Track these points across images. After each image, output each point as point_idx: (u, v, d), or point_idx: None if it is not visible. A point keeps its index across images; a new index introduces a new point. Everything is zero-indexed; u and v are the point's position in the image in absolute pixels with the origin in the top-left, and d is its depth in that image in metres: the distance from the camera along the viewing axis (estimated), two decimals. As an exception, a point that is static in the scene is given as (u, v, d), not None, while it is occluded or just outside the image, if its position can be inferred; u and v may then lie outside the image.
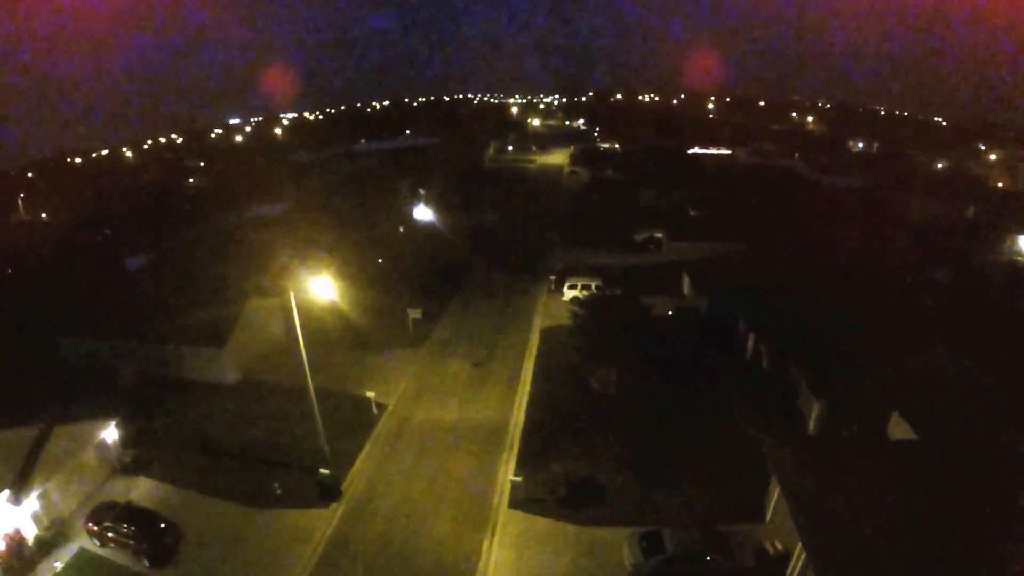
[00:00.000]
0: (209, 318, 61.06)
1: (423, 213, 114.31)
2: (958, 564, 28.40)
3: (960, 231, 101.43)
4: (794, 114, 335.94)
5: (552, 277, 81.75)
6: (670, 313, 67.68)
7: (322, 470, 43.54)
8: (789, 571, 34.75)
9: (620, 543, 37.64)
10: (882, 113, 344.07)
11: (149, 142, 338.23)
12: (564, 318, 63.51)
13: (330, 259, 79.48)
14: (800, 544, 32.83)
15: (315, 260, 75.34)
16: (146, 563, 37.89)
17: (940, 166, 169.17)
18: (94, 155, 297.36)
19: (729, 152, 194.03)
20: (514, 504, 42.22)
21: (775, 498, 38.82)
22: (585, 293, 70.08)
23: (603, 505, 41.86)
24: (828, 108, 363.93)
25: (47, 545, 39.30)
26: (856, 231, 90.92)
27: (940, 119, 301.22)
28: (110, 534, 38.78)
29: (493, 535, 39.77)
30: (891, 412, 44.41)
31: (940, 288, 71.83)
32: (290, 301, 42.09)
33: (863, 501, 32.59)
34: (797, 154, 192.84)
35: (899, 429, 43.33)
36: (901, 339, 50.18)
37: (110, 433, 46.83)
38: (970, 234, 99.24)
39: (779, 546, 36.47)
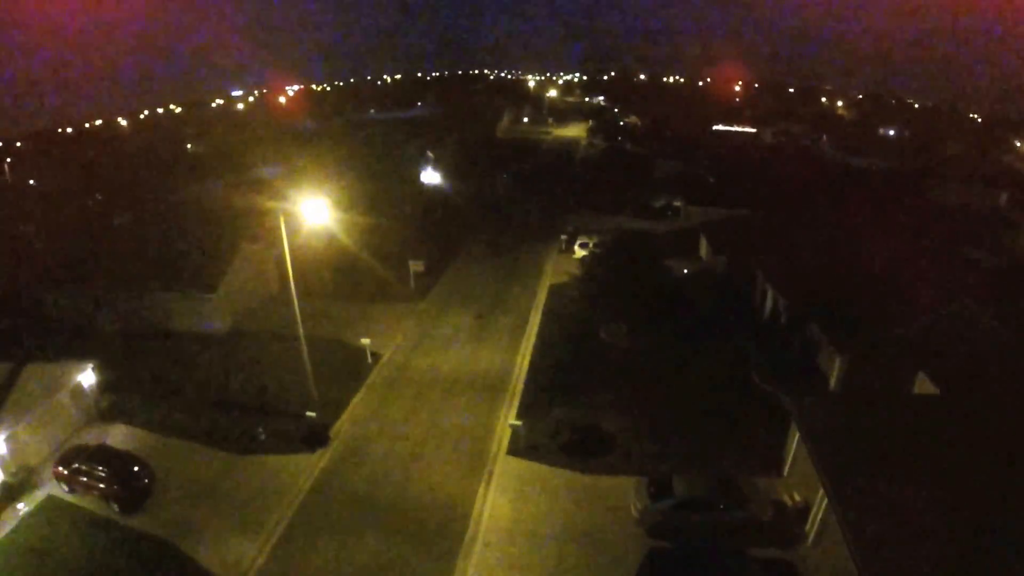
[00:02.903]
0: (198, 265, 60.01)
1: (431, 176, 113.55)
2: (984, 516, 27.27)
3: (991, 215, 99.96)
4: (823, 99, 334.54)
5: (563, 237, 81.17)
6: (685, 271, 66.63)
7: (309, 413, 42.62)
8: (809, 523, 33.65)
9: (626, 491, 36.56)
10: (916, 106, 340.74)
11: (146, 112, 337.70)
12: (575, 275, 62.69)
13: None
14: (820, 496, 31.84)
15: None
16: (115, 508, 36.68)
17: (972, 154, 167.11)
18: (87, 125, 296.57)
19: (754, 131, 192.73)
20: (513, 451, 41.22)
21: (793, 451, 37.75)
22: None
23: (609, 455, 40.75)
24: (860, 98, 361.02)
25: (13, 491, 37.92)
26: (881, 207, 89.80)
27: (975, 115, 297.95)
28: (80, 478, 37.27)
29: (489, 481, 38.77)
30: (917, 371, 43.26)
31: (970, 262, 70.39)
32: (280, 227, 40.95)
33: (887, 451, 31.50)
34: (824, 136, 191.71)
35: (925, 388, 42.21)
36: (927, 297, 48.84)
37: (87, 377, 45.54)
38: (1002, 218, 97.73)
39: (798, 498, 35.27)
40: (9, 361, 41.89)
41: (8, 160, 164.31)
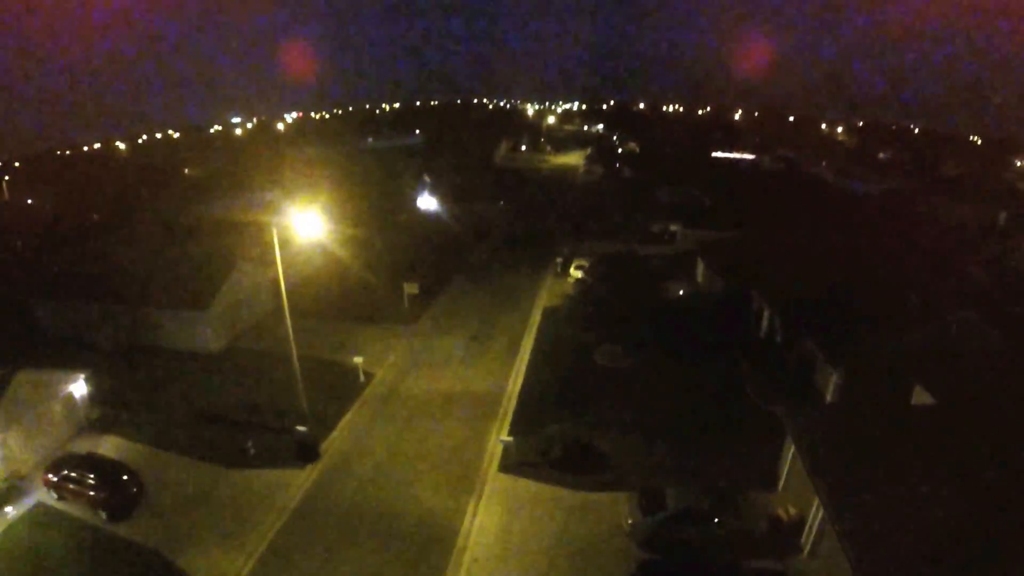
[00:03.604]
0: (192, 283, 60.38)
1: (427, 202, 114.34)
2: (982, 526, 27.31)
3: (991, 235, 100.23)
4: (823, 126, 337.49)
5: (559, 260, 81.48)
6: (681, 293, 66.94)
7: (299, 427, 42.75)
8: (804, 536, 33.67)
9: (618, 507, 36.49)
10: (916, 131, 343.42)
11: (144, 137, 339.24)
12: (570, 295, 63.13)
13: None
14: (815, 509, 32.03)
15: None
16: (104, 516, 36.76)
17: (971, 174, 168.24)
18: (86, 148, 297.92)
19: (753, 157, 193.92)
20: (504, 468, 41.28)
21: (788, 466, 37.84)
22: None
23: (602, 472, 40.73)
24: (861, 125, 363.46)
25: (1, 497, 38.24)
26: (878, 227, 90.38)
27: (975, 137, 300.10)
28: (69, 485, 37.47)
29: (480, 498, 38.78)
30: (914, 384, 43.32)
31: (967, 278, 70.61)
32: (274, 244, 41.24)
33: (883, 462, 31.55)
34: (824, 162, 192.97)
35: (923, 401, 42.23)
36: (923, 311, 49.05)
37: (79, 388, 45.88)
38: (1002, 238, 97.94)
39: (793, 512, 35.22)
40: (1, 368, 42.18)
41: (6, 179, 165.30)
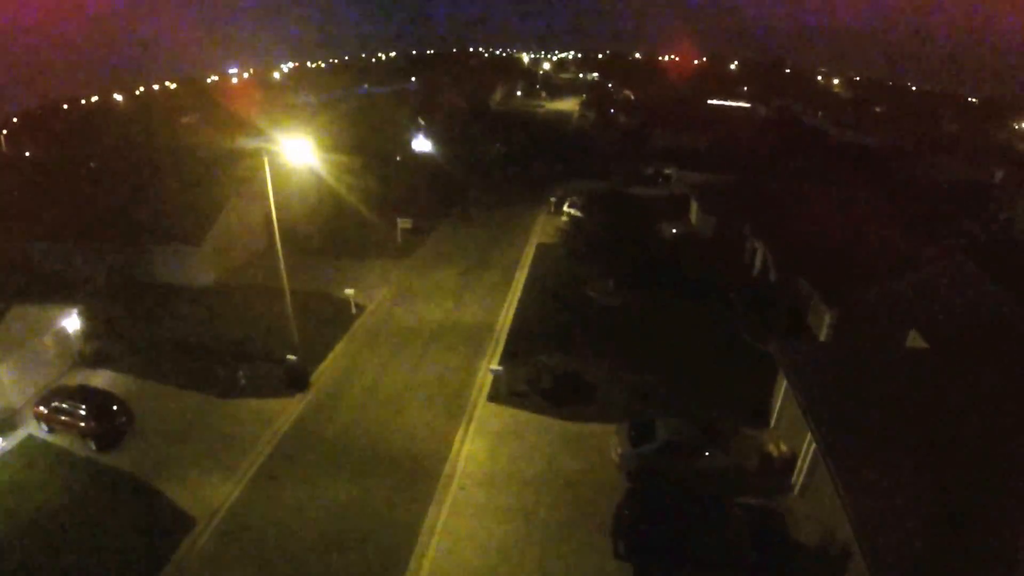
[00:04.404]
0: (186, 218, 59.54)
1: (422, 143, 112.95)
2: (973, 464, 26.67)
3: (985, 191, 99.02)
4: (819, 78, 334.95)
5: (552, 199, 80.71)
6: (674, 231, 66.12)
7: (289, 356, 41.99)
8: (795, 474, 33.06)
9: (607, 438, 35.78)
10: (913, 88, 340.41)
11: (141, 88, 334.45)
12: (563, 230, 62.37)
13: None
14: (806, 447, 31.40)
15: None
16: (92, 446, 36.13)
17: (968, 133, 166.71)
18: (83, 102, 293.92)
19: (748, 105, 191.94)
20: (493, 397, 40.75)
21: (780, 403, 37.13)
22: None
23: (591, 403, 40.10)
24: (857, 79, 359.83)
25: (-8, 432, 37.56)
26: (875, 179, 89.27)
27: (974, 98, 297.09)
28: (59, 416, 36.71)
29: (468, 426, 38.20)
30: (909, 328, 42.47)
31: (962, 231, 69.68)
32: (264, 173, 40.06)
33: (877, 403, 30.64)
34: (821, 113, 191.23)
35: (917, 345, 41.46)
36: (918, 254, 48.08)
37: (71, 322, 44.96)
38: (996, 195, 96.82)
39: (784, 448, 34.54)
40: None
41: (4, 132, 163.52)
